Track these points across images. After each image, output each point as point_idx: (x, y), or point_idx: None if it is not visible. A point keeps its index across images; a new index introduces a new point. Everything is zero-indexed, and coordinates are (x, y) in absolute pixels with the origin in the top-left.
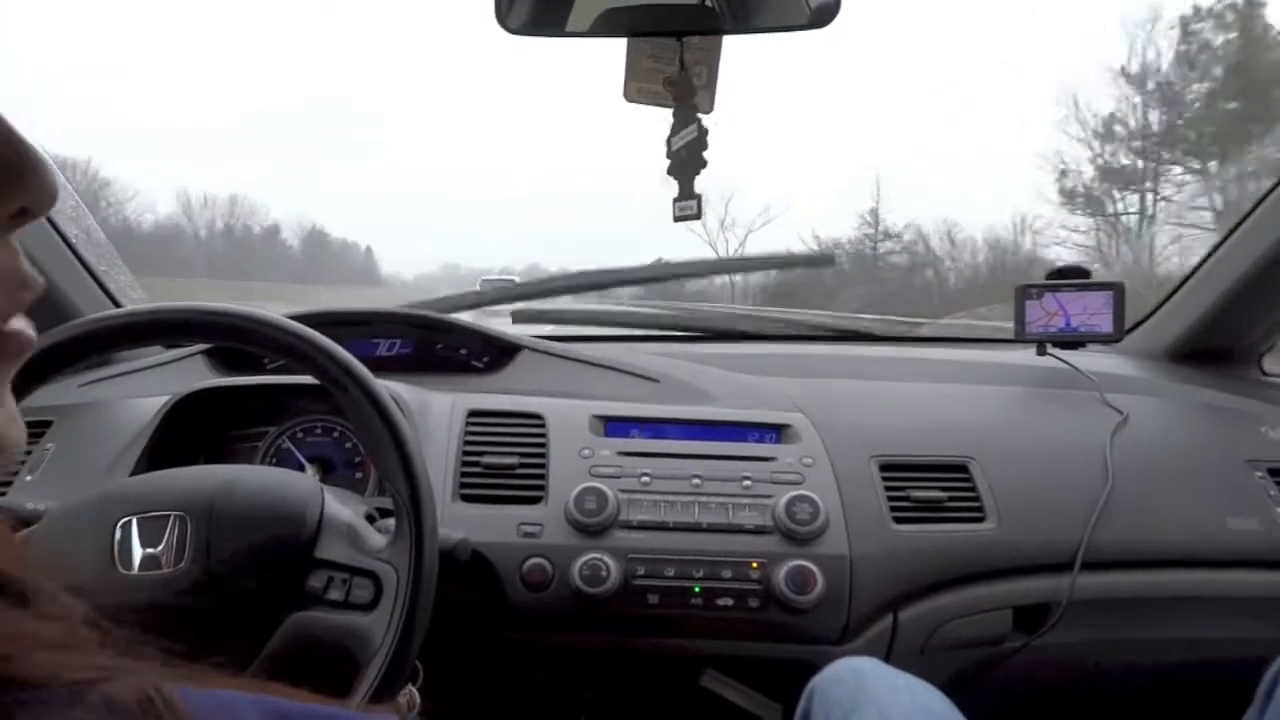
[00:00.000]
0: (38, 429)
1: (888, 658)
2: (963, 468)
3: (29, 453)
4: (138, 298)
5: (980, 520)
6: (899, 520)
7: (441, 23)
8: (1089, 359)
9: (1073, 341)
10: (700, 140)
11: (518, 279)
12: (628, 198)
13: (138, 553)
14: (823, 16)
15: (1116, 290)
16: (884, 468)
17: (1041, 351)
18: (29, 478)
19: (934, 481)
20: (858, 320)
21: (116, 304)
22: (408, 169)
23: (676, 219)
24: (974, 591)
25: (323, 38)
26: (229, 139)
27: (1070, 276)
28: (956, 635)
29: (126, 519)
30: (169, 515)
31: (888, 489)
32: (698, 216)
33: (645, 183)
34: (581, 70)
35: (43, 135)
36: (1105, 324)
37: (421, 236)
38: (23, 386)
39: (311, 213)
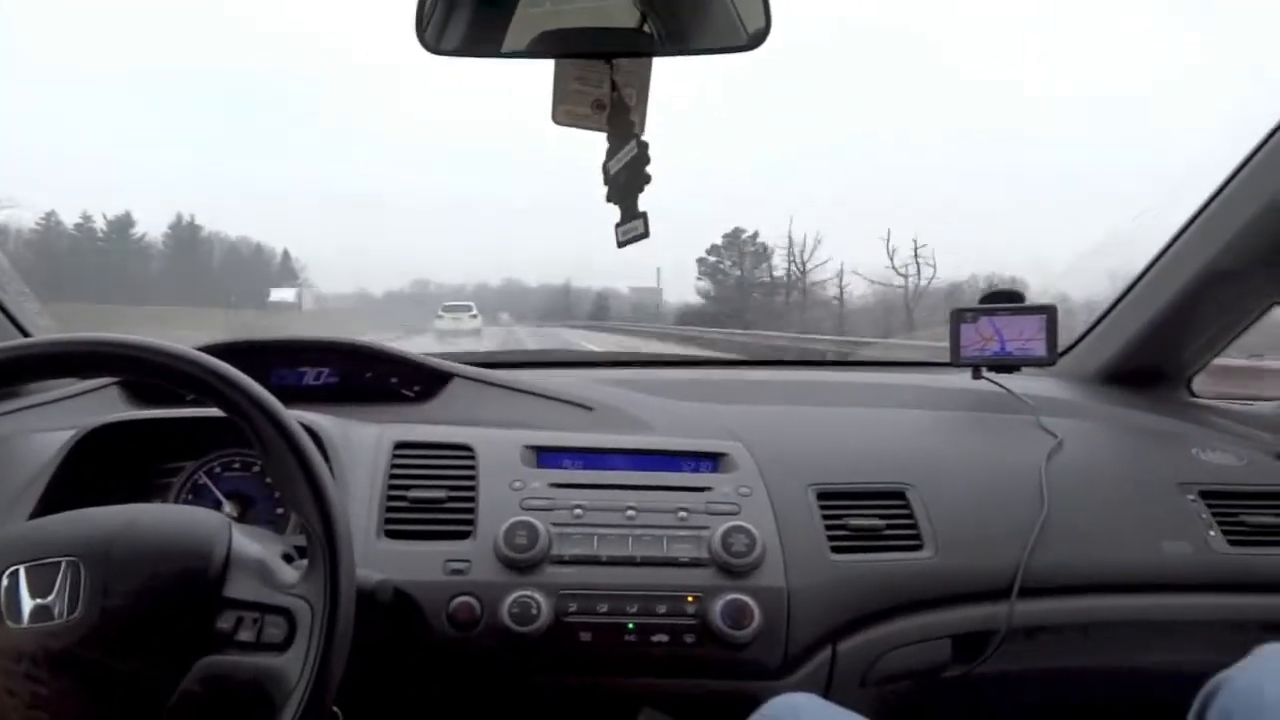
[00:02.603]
0: None
1: (827, 691)
2: (900, 494)
3: None
4: (46, 326)
5: (918, 548)
6: (837, 550)
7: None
8: (1024, 382)
9: (1008, 365)
10: (641, 156)
11: (474, 306)
12: (583, 211)
13: (26, 604)
14: (757, 38)
15: (1050, 313)
16: (821, 496)
17: (977, 375)
18: None
19: (872, 509)
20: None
21: (25, 333)
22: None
23: (621, 244)
24: (913, 621)
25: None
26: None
27: (1004, 300)
28: (896, 666)
29: (13, 568)
30: (60, 561)
31: (825, 518)
32: (646, 236)
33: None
34: (527, 87)
35: None
36: (1039, 347)
37: (392, 252)
38: None
39: (255, 226)
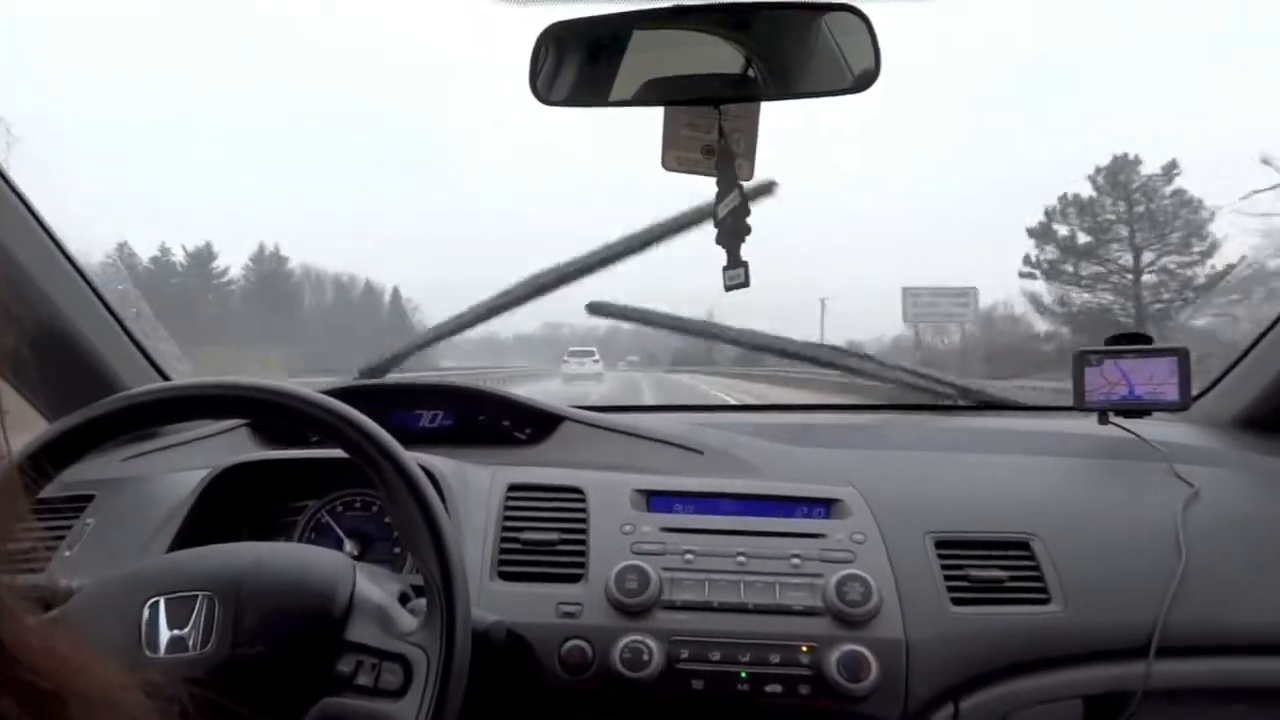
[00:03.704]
0: (79, 503)
1: None
2: (1024, 544)
3: (69, 527)
4: (184, 371)
5: (1045, 602)
6: (957, 601)
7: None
8: (1154, 428)
9: (1137, 410)
10: (743, 207)
11: (596, 351)
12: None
13: (164, 635)
14: (864, 80)
15: (1181, 356)
16: (940, 544)
17: (1104, 420)
18: (67, 553)
19: (994, 560)
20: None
21: (164, 377)
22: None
23: (727, 288)
24: (1041, 679)
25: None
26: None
27: (1131, 342)
28: None
29: (154, 599)
30: (197, 595)
31: (944, 568)
32: (746, 285)
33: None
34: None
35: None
36: (1171, 391)
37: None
38: (66, 459)
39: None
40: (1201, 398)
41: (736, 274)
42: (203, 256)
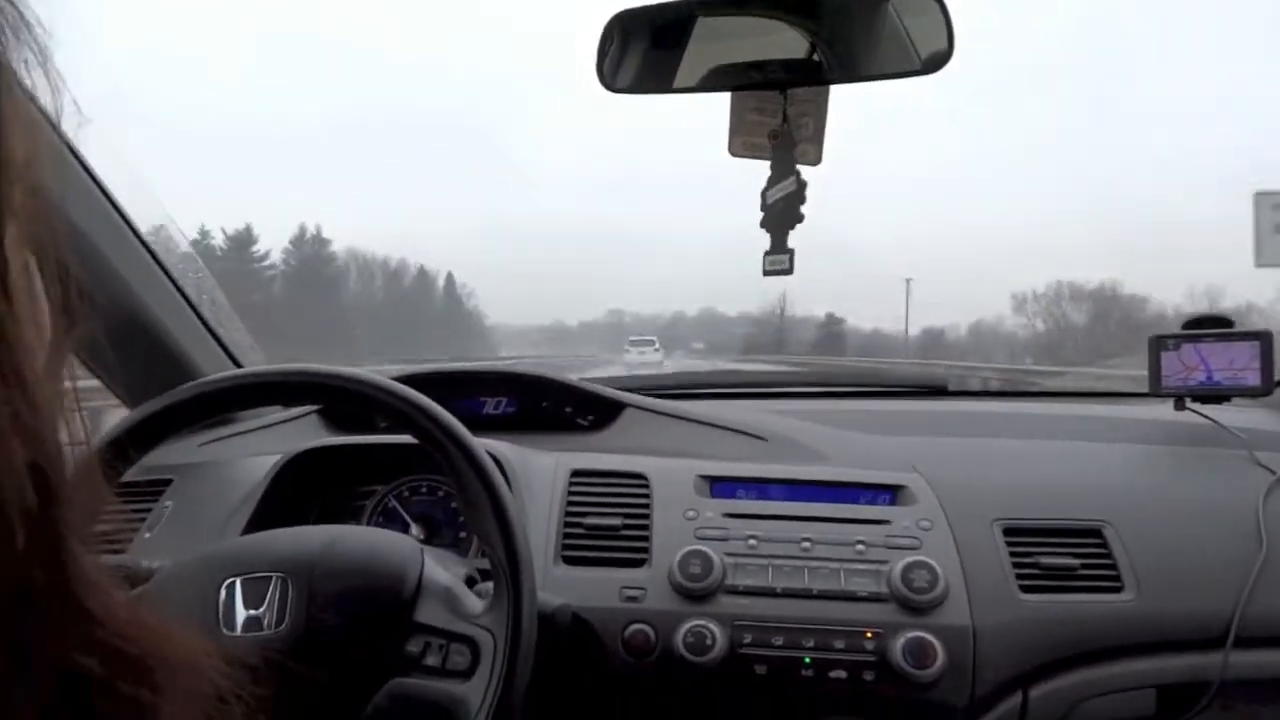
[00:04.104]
0: (158, 487)
1: None
2: (1097, 532)
3: (149, 510)
4: (256, 359)
5: (1118, 590)
6: (1026, 589)
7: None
8: (1233, 414)
9: (1216, 396)
10: (799, 194)
11: (656, 340)
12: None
13: (241, 614)
14: (935, 62)
15: (1264, 340)
16: (1008, 532)
17: (1180, 406)
18: (147, 535)
19: (1065, 547)
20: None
21: (238, 364)
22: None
23: (767, 273)
24: (1113, 668)
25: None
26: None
27: (1210, 326)
28: (1095, 716)
29: (231, 580)
30: (271, 576)
31: (1013, 555)
32: (789, 272)
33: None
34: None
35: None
36: (1252, 377)
37: (586, 281)
38: (145, 445)
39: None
40: None
41: (780, 259)
42: (243, 240)
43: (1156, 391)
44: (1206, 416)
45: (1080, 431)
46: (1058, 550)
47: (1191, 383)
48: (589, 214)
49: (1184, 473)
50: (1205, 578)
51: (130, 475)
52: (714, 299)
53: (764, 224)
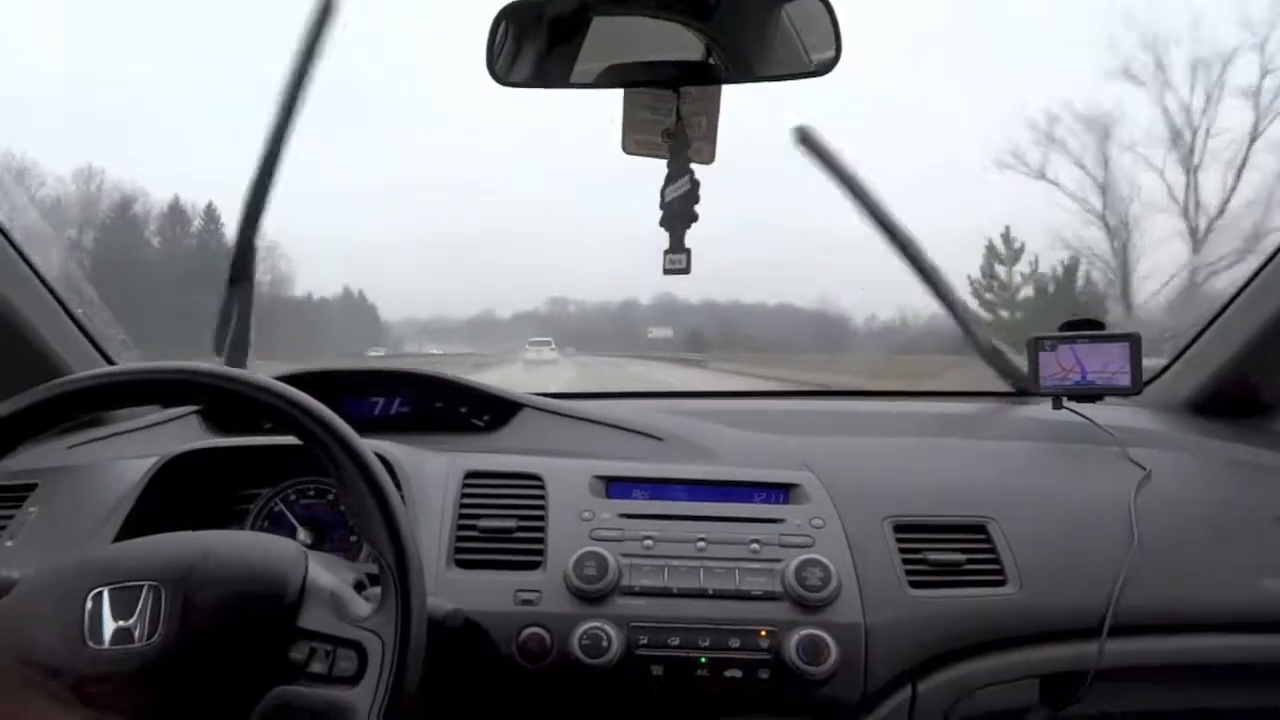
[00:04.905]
0: (20, 492)
1: None
2: (981, 528)
3: (10, 517)
4: (131, 356)
5: (1001, 584)
6: (916, 584)
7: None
8: (1107, 412)
9: (1090, 395)
10: (692, 193)
11: (552, 341)
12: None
13: (109, 626)
14: (826, 65)
15: (1133, 341)
16: (898, 529)
17: (1058, 405)
18: (9, 543)
19: (951, 543)
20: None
21: (110, 362)
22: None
23: (666, 272)
24: (997, 660)
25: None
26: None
27: (1083, 328)
28: (981, 707)
29: (98, 590)
30: (143, 585)
31: (903, 551)
32: (686, 271)
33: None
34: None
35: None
36: (1123, 377)
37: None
38: (3, 446)
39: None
40: (1153, 383)
41: (679, 259)
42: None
43: (1035, 391)
44: (1082, 415)
45: (965, 430)
46: (945, 546)
47: (1068, 382)
48: (530, 196)
49: (1062, 470)
50: (1082, 570)
51: None
52: (673, 284)
53: (663, 222)
